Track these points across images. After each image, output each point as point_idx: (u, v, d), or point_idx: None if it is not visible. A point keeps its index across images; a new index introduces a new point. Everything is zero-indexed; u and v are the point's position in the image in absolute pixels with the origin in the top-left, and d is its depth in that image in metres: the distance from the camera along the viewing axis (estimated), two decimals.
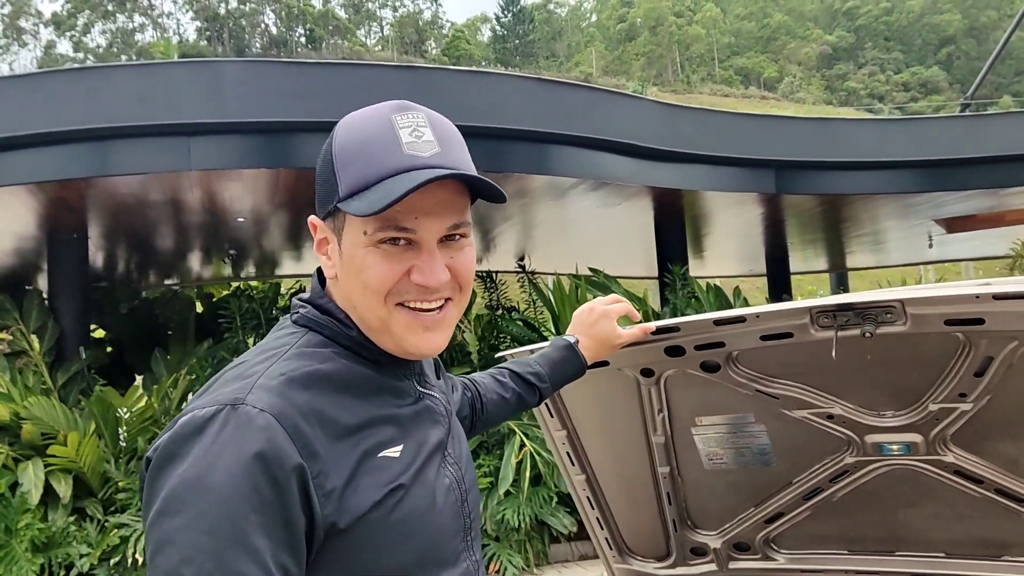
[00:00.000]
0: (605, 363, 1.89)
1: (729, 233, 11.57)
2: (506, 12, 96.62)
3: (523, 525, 6.54)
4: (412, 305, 1.04)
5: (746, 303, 9.27)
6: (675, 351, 1.87)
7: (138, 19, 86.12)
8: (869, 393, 1.84)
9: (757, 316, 1.72)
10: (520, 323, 8.39)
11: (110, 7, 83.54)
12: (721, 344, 1.82)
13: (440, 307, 1.06)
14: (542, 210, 9.01)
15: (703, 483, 2.12)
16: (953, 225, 11.35)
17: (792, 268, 14.29)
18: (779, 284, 13.60)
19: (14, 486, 6.17)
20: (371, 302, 1.04)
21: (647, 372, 1.96)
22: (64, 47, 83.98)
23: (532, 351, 1.77)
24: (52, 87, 6.70)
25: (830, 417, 1.89)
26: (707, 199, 8.83)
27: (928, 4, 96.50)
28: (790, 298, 12.32)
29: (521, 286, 9.78)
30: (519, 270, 10.18)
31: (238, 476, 0.87)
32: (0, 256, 9.13)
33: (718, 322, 1.76)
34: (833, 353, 1.66)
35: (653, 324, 1.79)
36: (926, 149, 9.09)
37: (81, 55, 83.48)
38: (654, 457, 2.10)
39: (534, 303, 9.08)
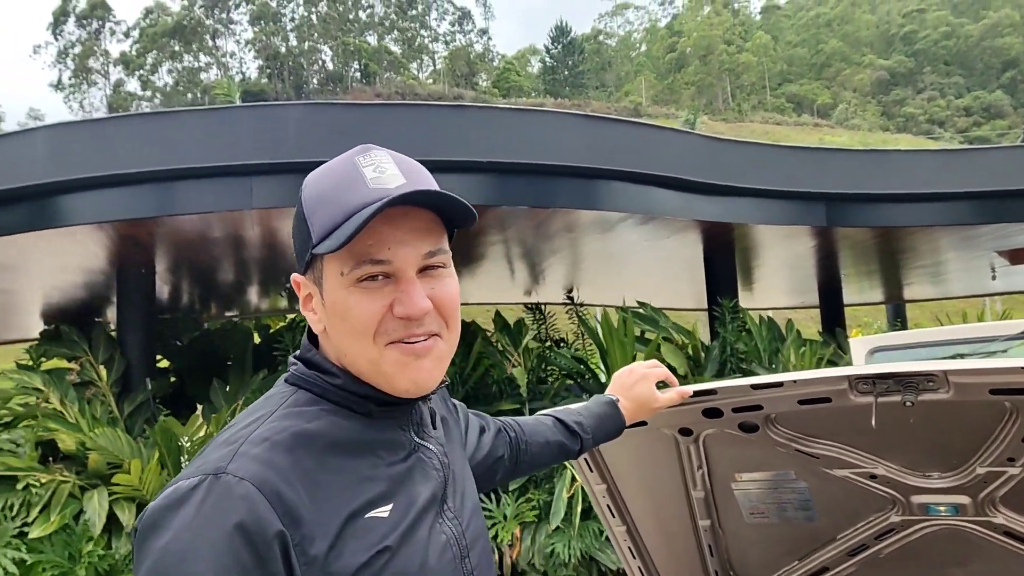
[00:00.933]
0: (644, 423, 1.92)
1: (780, 265, 11.49)
2: (556, 44, 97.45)
3: (572, 560, 6.55)
4: (402, 344, 1.03)
5: (799, 336, 9.18)
6: (713, 413, 1.90)
7: (203, 59, 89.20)
8: (913, 455, 1.84)
9: (795, 382, 1.73)
10: (568, 356, 8.45)
11: (177, 47, 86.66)
12: (759, 407, 1.84)
13: (426, 340, 1.05)
14: (590, 243, 9.10)
15: (745, 536, 2.14)
16: (1017, 256, 11.08)
17: (846, 300, 14.05)
18: (832, 316, 13.39)
19: (79, 514, 6.41)
20: (361, 346, 1.03)
21: (686, 431, 2.00)
22: (132, 86, 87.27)
23: (575, 408, 1.81)
24: (123, 131, 7.06)
25: (873, 477, 1.90)
26: (757, 232, 8.81)
27: (988, 28, 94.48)
28: (843, 331, 12.12)
29: (570, 318, 9.85)
30: (568, 302, 10.26)
31: (220, 548, 0.88)
32: (72, 290, 9.54)
33: (756, 386, 1.79)
34: (873, 421, 1.66)
35: (690, 388, 1.82)
36: (985, 179, 8.93)
37: (148, 93, 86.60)
38: (694, 510, 2.13)
39: (582, 336, 9.13)
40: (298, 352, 1.13)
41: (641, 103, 78.64)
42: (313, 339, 1.13)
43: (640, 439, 2.00)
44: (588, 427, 1.68)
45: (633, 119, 9.71)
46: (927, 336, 4.69)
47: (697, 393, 1.83)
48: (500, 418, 1.64)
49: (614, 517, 2.18)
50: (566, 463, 1.96)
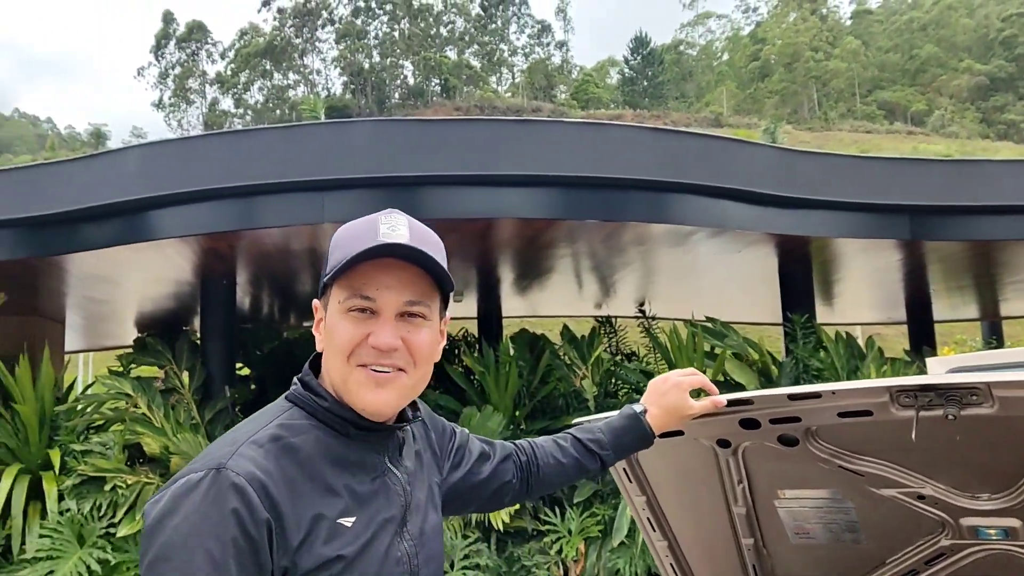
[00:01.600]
0: (680, 432, 1.89)
1: (863, 279, 11.12)
2: (635, 55, 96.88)
3: None
4: (369, 366, 1.22)
5: (880, 355, 8.88)
6: (750, 424, 1.86)
7: (292, 76, 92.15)
8: (960, 474, 1.77)
9: (833, 393, 1.69)
10: (636, 371, 8.38)
11: (267, 66, 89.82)
12: (797, 419, 1.79)
13: (392, 372, 1.23)
14: (661, 256, 9.02)
15: (791, 557, 2.08)
16: None
17: (937, 316, 13.47)
18: (921, 333, 12.86)
19: None
20: (337, 361, 1.23)
21: (723, 443, 1.96)
22: (227, 104, 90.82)
23: (602, 418, 1.82)
24: (207, 148, 7.40)
25: (921, 497, 1.83)
26: (835, 245, 8.57)
27: None
28: (932, 349, 11.64)
29: (641, 332, 9.77)
30: (639, 316, 10.18)
31: (220, 529, 1.07)
32: (162, 301, 10.00)
33: (793, 397, 1.74)
34: (913, 435, 1.61)
35: (724, 397, 1.79)
36: None
37: (241, 111, 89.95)
38: (737, 528, 2.09)
39: (653, 350, 9.05)
40: (300, 375, 1.32)
41: (722, 113, 77.32)
42: (314, 365, 1.32)
43: (678, 449, 1.98)
44: (607, 443, 1.71)
45: (703, 132, 9.60)
46: (1016, 356, 4.41)
47: (732, 403, 1.80)
48: (517, 441, 1.72)
49: (655, 531, 2.16)
50: (611, 473, 1.96)
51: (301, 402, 1.27)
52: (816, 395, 1.71)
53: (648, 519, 2.16)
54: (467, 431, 1.64)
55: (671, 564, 2.20)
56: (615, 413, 1.80)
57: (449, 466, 1.53)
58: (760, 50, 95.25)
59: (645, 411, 1.76)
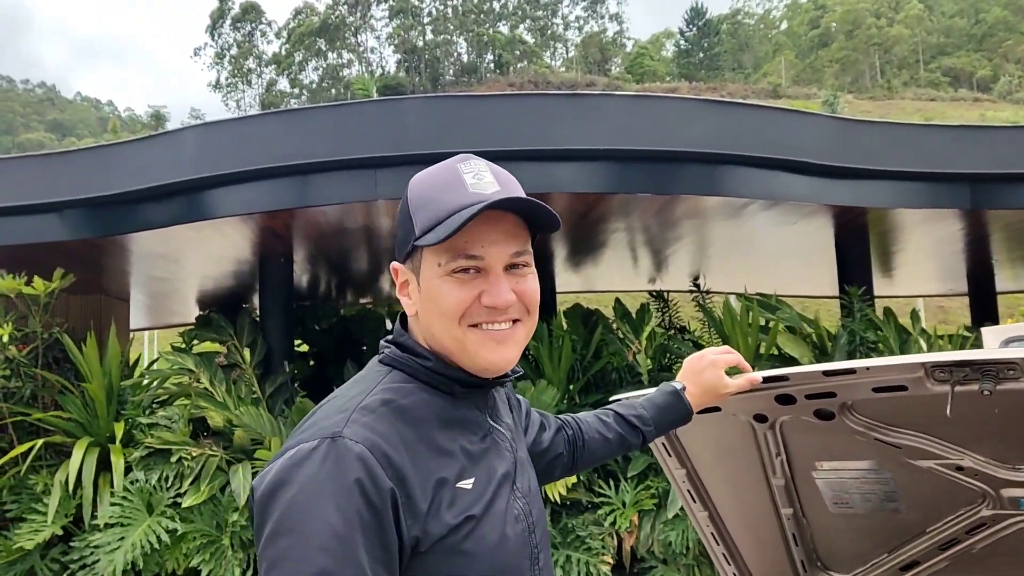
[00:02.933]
0: (717, 408, 1.92)
1: (922, 250, 10.84)
2: (690, 26, 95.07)
3: (690, 549, 6.51)
4: (484, 327, 1.18)
5: (923, 332, 8.69)
6: (786, 399, 1.88)
7: (346, 55, 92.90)
8: (1001, 446, 1.76)
9: (868, 368, 1.69)
10: (691, 344, 8.34)
11: (322, 45, 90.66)
12: (832, 394, 1.81)
13: (510, 325, 1.20)
14: (714, 229, 8.92)
15: (830, 526, 2.10)
16: None
17: (1000, 287, 13.09)
18: (984, 304, 12.51)
19: (225, 486, 6.93)
20: (448, 325, 1.18)
21: (760, 418, 1.98)
22: (283, 84, 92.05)
23: (641, 395, 1.84)
24: (262, 127, 7.54)
25: (959, 469, 1.83)
26: (892, 216, 8.37)
27: None
28: (995, 321, 11.32)
29: (695, 306, 9.70)
30: (693, 289, 10.10)
31: (342, 500, 1.00)
32: (222, 279, 10.27)
33: (827, 373, 1.75)
34: (948, 411, 1.61)
35: (760, 375, 1.80)
36: None
37: (296, 91, 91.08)
38: (776, 498, 2.11)
39: (707, 324, 8.99)
40: (391, 337, 1.29)
41: (780, 84, 75.53)
42: (403, 325, 1.29)
43: (716, 425, 2.00)
44: (650, 419, 1.72)
45: (757, 103, 9.42)
46: None
47: (768, 379, 1.81)
48: (561, 415, 1.73)
49: (695, 502, 2.19)
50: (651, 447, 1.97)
51: (401, 364, 1.22)
52: (851, 371, 1.72)
53: (689, 491, 2.19)
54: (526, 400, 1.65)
55: (712, 533, 2.23)
56: (653, 390, 1.82)
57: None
58: (820, 17, 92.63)
59: (684, 388, 1.77)
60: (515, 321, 1.21)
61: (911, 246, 10.41)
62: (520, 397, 1.59)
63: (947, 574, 2.01)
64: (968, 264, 11.91)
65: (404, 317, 1.30)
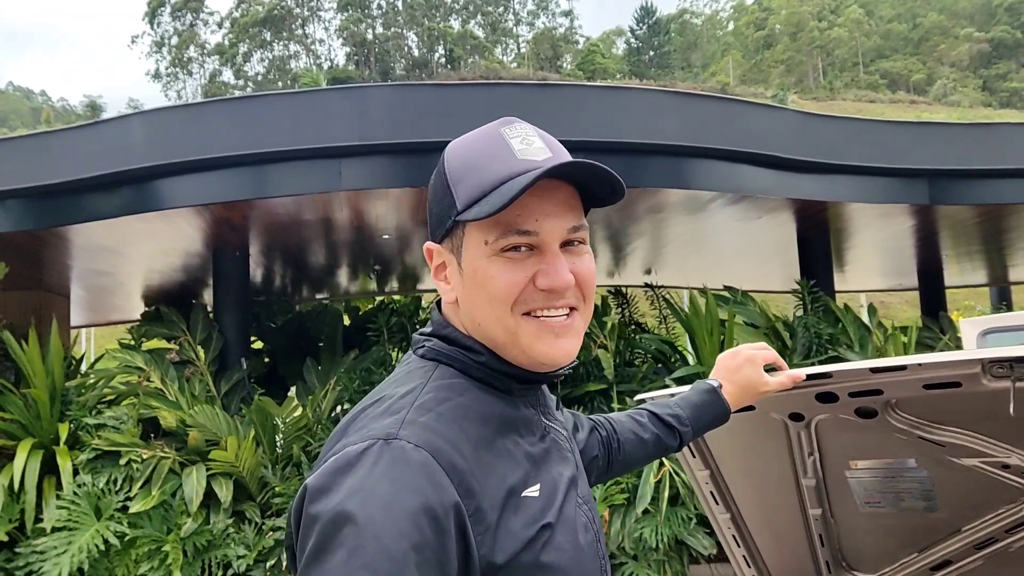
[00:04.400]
0: (751, 408, 1.82)
1: (876, 245, 11.02)
2: (640, 25, 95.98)
3: (661, 545, 6.45)
4: (539, 314, 1.02)
5: (880, 325, 8.81)
6: (827, 397, 1.78)
7: (293, 47, 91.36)
8: None
9: (920, 365, 1.60)
10: (656, 340, 8.30)
11: (267, 36, 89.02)
12: (879, 392, 1.71)
13: (567, 315, 1.04)
14: (677, 225, 8.90)
15: (858, 525, 2.03)
16: None
17: (947, 282, 13.41)
18: (932, 299, 12.79)
19: (177, 489, 6.63)
20: (498, 313, 1.01)
21: (796, 416, 1.88)
22: (227, 75, 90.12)
23: (672, 394, 1.73)
24: (216, 115, 7.25)
25: (1005, 467, 1.76)
26: (853, 211, 8.45)
27: None
28: (946, 314, 11.56)
29: (651, 302, 9.66)
30: (647, 285, 10.07)
31: (396, 512, 0.84)
32: (171, 273, 9.90)
33: (876, 370, 1.65)
34: (1011, 409, 1.52)
35: (803, 372, 1.69)
36: None
37: (241, 82, 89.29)
38: (804, 499, 2.03)
39: (664, 320, 8.96)
40: (430, 328, 1.12)
41: (728, 83, 76.67)
42: (439, 313, 1.13)
43: (747, 424, 1.90)
44: (687, 418, 1.58)
45: (724, 95, 9.43)
46: None
47: (810, 377, 1.71)
48: (592, 416, 1.57)
49: (717, 504, 2.09)
50: None
51: (449, 358, 1.06)
52: (901, 367, 1.62)
53: (711, 492, 2.10)
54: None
55: (733, 536, 2.13)
56: (687, 388, 1.69)
57: None
58: (765, 19, 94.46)
59: (721, 386, 1.64)
60: (572, 310, 1.05)
61: (866, 241, 10.56)
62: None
63: (980, 574, 1.95)
64: (919, 259, 12.16)
65: (439, 305, 1.14)
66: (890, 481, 1.91)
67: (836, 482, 1.97)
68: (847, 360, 7.34)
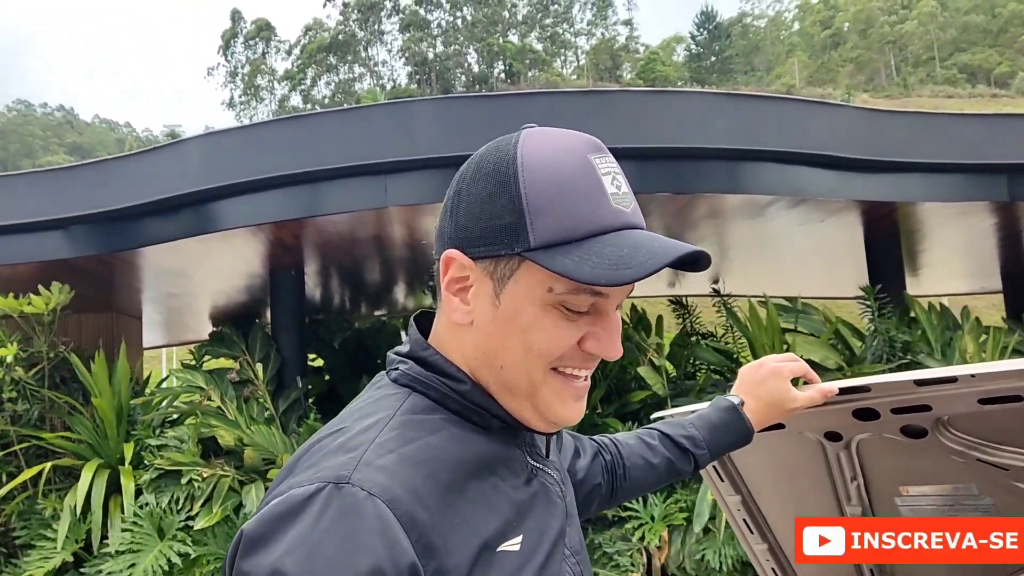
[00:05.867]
0: (780, 426, 1.63)
1: (953, 246, 10.48)
2: (701, 30, 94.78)
3: (724, 566, 6.19)
4: (569, 371, 0.91)
5: (978, 323, 8.32)
6: (867, 414, 1.58)
7: (358, 69, 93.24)
8: None
9: (973, 376, 1.39)
10: (712, 350, 8.03)
11: (333, 60, 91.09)
12: (927, 407, 1.50)
13: (586, 380, 0.94)
14: (737, 230, 8.62)
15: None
16: None
17: None
18: (1018, 302, 12.10)
19: (238, 507, 6.69)
20: (531, 365, 0.89)
21: (834, 436, 1.68)
22: (295, 100, 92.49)
23: (691, 411, 1.55)
24: (267, 136, 7.33)
25: None
26: (924, 211, 8.04)
27: None
28: None
29: (717, 311, 9.38)
30: (713, 294, 9.79)
31: (340, 575, 0.72)
32: (234, 293, 10.08)
33: (921, 383, 1.44)
34: None
35: (836, 385, 1.49)
36: None
37: (309, 106, 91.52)
38: None
39: (730, 328, 8.67)
40: (406, 349, 0.97)
41: (794, 85, 75.01)
42: (421, 329, 0.99)
43: (778, 444, 1.71)
44: (703, 440, 1.41)
45: (780, 95, 9.13)
46: None
47: (844, 391, 1.51)
48: (596, 437, 1.41)
49: (752, 534, 1.89)
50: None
51: (424, 386, 0.92)
52: (951, 379, 1.41)
53: (744, 520, 1.90)
54: None
55: (773, 569, 1.93)
56: (704, 405, 1.51)
57: None
58: (832, 17, 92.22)
59: (742, 403, 1.46)
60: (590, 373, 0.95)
61: (942, 242, 10.05)
62: None
63: None
64: (1002, 259, 11.52)
65: (419, 319, 1.00)
66: (949, 510, 1.69)
67: (886, 510, 1.77)
68: (926, 368, 6.94)
